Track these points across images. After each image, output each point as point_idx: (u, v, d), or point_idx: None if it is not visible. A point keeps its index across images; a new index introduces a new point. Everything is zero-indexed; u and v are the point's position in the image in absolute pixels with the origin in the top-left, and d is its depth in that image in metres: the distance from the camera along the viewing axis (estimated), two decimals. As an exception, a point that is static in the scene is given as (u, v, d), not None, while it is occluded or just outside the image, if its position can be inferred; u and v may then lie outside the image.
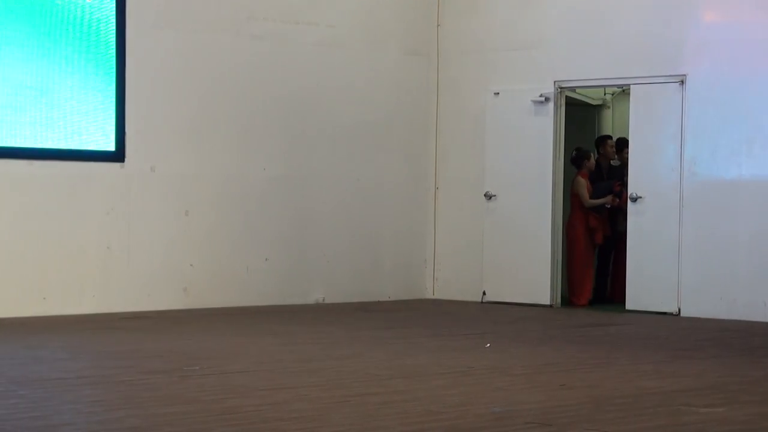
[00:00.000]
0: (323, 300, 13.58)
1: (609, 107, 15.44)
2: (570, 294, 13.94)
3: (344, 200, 13.80)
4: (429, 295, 14.50)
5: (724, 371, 8.63)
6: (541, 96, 13.63)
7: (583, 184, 13.89)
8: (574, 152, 14.10)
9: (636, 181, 13.16)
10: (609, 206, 13.95)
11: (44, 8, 11.72)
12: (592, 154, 14.19)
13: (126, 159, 12.20)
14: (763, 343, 10.55)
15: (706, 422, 6.60)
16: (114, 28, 12.06)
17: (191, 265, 12.63)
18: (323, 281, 13.61)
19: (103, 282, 12.05)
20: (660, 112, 13.00)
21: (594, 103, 15.39)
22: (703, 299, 12.63)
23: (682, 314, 12.74)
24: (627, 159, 13.86)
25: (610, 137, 14.63)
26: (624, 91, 14.61)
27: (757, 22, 12.51)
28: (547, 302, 13.55)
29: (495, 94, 13.95)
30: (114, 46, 12.06)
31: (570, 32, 13.56)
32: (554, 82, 13.64)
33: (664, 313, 12.81)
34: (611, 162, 14.40)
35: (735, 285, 12.46)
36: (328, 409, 6.80)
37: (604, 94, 15.37)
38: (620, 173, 14.13)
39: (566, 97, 13.86)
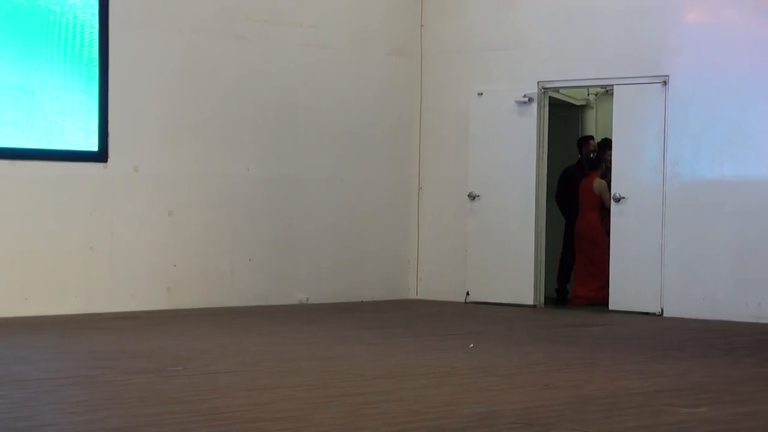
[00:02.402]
0: (307, 300, 13.58)
1: (592, 108, 15.48)
2: (578, 290, 13.79)
3: (328, 200, 13.80)
4: (413, 296, 14.51)
5: (707, 371, 8.65)
6: (524, 96, 13.65)
7: (606, 186, 13.77)
8: (593, 155, 14.04)
9: (619, 182, 13.19)
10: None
11: (27, 8, 11.69)
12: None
13: (109, 159, 12.18)
14: (745, 344, 10.59)
15: (688, 422, 6.62)
16: (97, 28, 12.03)
17: (175, 265, 12.62)
18: (307, 281, 13.60)
19: (86, 282, 12.02)
20: (643, 112, 13.03)
21: (577, 103, 15.42)
22: (686, 299, 12.67)
23: (665, 314, 12.78)
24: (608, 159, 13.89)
25: (592, 137, 14.67)
26: (607, 92, 14.64)
27: (739, 23, 12.55)
28: (531, 302, 13.57)
29: (479, 94, 13.97)
30: (97, 46, 12.04)
31: (553, 33, 13.58)
32: (538, 82, 13.67)
33: (647, 314, 12.84)
34: (590, 156, 14.42)
35: (717, 285, 12.50)
36: (312, 410, 6.81)
37: (588, 95, 15.40)
38: (596, 166, 14.13)
39: (550, 97, 13.89)
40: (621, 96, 13.21)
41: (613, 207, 13.21)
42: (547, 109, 13.76)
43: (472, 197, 13.99)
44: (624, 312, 12.97)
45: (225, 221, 13.02)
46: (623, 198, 13.12)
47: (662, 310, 12.81)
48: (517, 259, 13.62)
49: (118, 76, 12.16)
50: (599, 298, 13.52)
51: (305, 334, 10.72)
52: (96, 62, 12.04)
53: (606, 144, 14.23)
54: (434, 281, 14.39)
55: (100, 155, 12.13)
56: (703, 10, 12.78)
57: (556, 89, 14.14)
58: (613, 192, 13.21)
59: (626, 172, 13.14)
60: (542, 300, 13.69)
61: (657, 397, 7.39)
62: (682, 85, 12.76)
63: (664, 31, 12.90)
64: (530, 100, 13.63)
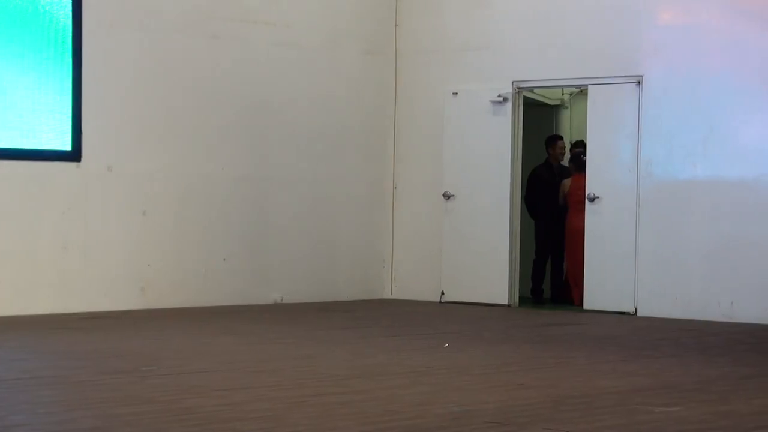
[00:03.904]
0: (282, 300, 13.56)
1: (567, 107, 15.51)
2: (575, 293, 13.79)
3: (303, 200, 13.79)
4: (387, 295, 14.51)
5: (680, 371, 8.69)
6: (499, 96, 13.67)
7: None
8: (583, 157, 14.02)
9: (593, 182, 13.23)
10: None
11: None
12: None
13: (82, 159, 12.13)
14: (717, 343, 10.64)
15: (661, 421, 6.65)
16: (70, 27, 11.98)
17: (149, 265, 12.58)
18: (282, 281, 13.58)
19: (59, 282, 11.97)
20: (617, 112, 13.08)
21: (552, 103, 15.45)
22: (660, 299, 12.72)
23: (638, 314, 12.82)
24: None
25: (560, 137, 14.69)
26: (582, 92, 14.68)
27: (712, 23, 12.61)
28: (505, 302, 13.59)
29: (453, 94, 13.98)
30: (70, 45, 11.99)
31: (528, 33, 13.61)
32: (512, 82, 13.69)
33: (621, 313, 12.88)
34: (561, 162, 14.47)
35: (690, 285, 12.56)
36: (287, 409, 6.80)
37: (562, 95, 15.44)
38: (568, 175, 14.23)
39: (524, 97, 13.92)
40: (595, 96, 13.24)
41: (588, 207, 13.24)
42: (521, 108, 13.78)
43: (447, 197, 14.00)
44: (598, 311, 13.00)
45: (199, 221, 12.99)
46: (597, 198, 13.16)
47: (636, 310, 12.86)
48: (492, 258, 13.64)
49: (92, 75, 12.12)
50: None
51: (279, 334, 10.70)
52: (69, 61, 11.99)
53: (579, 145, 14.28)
54: (409, 281, 14.40)
55: (74, 154, 12.08)
56: (677, 11, 12.83)
57: (531, 89, 14.16)
58: (587, 192, 13.25)
59: (600, 172, 13.18)
60: (517, 300, 13.71)
61: (631, 396, 7.42)
62: (656, 85, 12.81)
63: (638, 32, 12.94)
64: (505, 99, 13.65)
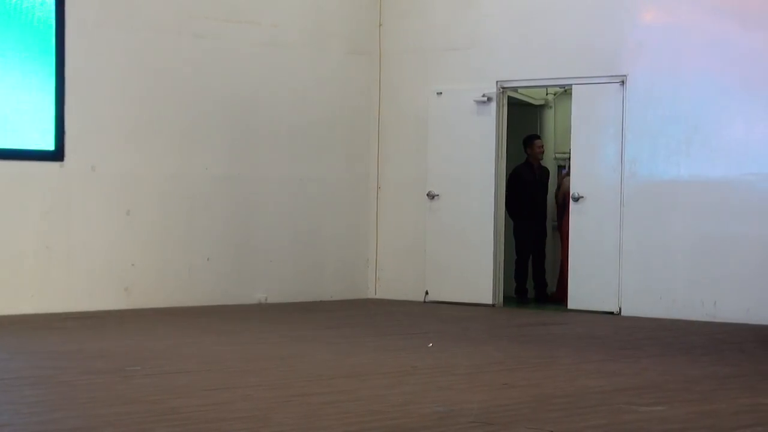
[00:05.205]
0: (266, 300, 13.54)
1: (551, 107, 15.53)
2: (560, 292, 13.80)
3: (287, 200, 13.78)
4: (371, 295, 14.51)
5: (664, 370, 8.71)
6: (483, 96, 13.68)
7: None
8: None
9: (578, 181, 13.25)
10: None
11: (-17, 5, 11.59)
12: None
13: (65, 158, 12.09)
14: (701, 342, 10.66)
15: (646, 421, 6.66)
16: (53, 25, 11.94)
17: (133, 264, 12.55)
18: (266, 281, 13.57)
19: (43, 282, 11.93)
20: (601, 112, 13.10)
21: (536, 103, 15.47)
22: (644, 299, 12.75)
23: (622, 313, 12.84)
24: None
25: (538, 137, 14.70)
26: (566, 92, 14.70)
27: (696, 23, 12.64)
28: (490, 302, 13.60)
29: (438, 93, 13.99)
30: (54, 44, 11.95)
31: (512, 32, 13.62)
32: (497, 82, 13.70)
33: (606, 313, 12.90)
34: (541, 162, 14.49)
35: (674, 284, 12.59)
36: (271, 409, 6.79)
37: (546, 94, 15.46)
38: (548, 175, 14.29)
39: (509, 97, 13.93)
40: (579, 96, 13.26)
41: (572, 206, 13.27)
42: (506, 108, 13.79)
43: (431, 197, 14.00)
44: (582, 311, 13.02)
45: (183, 220, 12.97)
46: (582, 197, 13.18)
47: (620, 309, 12.88)
48: (476, 258, 13.64)
49: (75, 75, 12.08)
50: None
51: (264, 334, 10.69)
52: (52, 60, 11.95)
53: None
54: (393, 281, 14.39)
55: (57, 154, 12.04)
56: (660, 11, 12.86)
57: (515, 89, 14.18)
58: (571, 191, 13.27)
59: (585, 172, 13.20)
60: (501, 299, 13.72)
61: (615, 395, 7.43)
62: (640, 85, 12.84)
63: (622, 32, 12.97)
64: (489, 99, 13.66)
